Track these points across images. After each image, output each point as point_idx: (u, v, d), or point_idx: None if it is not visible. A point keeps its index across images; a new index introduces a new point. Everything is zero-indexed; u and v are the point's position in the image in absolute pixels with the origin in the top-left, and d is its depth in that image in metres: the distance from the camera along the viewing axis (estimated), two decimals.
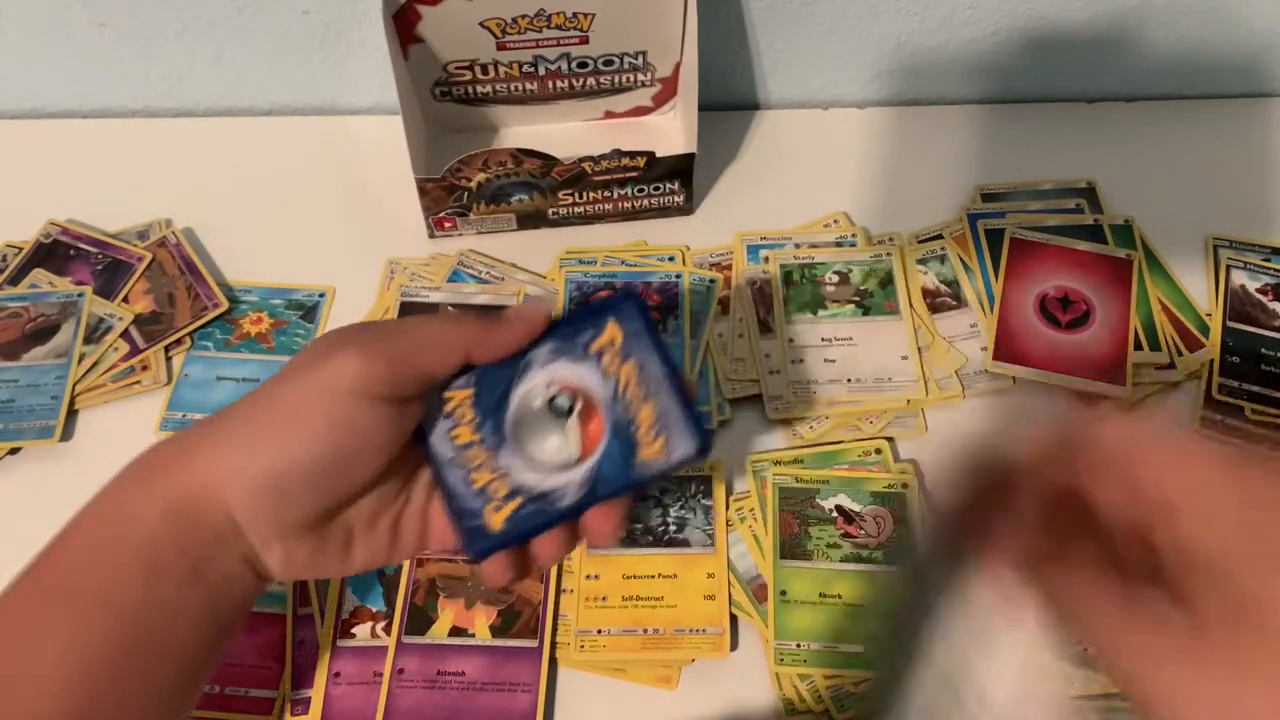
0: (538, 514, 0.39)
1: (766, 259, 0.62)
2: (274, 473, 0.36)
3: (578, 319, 0.40)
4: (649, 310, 0.41)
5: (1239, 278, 0.61)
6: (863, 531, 0.52)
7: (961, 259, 0.62)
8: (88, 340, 0.59)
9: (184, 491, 0.36)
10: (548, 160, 0.59)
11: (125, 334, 0.59)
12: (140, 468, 0.38)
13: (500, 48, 0.61)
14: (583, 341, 0.40)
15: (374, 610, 0.50)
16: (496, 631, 0.49)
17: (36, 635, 0.35)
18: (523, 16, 0.59)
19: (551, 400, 0.39)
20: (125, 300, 0.61)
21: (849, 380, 0.57)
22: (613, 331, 0.40)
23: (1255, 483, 0.27)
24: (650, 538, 0.52)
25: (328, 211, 0.66)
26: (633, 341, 0.39)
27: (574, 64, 0.63)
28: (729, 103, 0.72)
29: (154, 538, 0.36)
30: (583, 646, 0.49)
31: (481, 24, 0.59)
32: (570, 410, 0.39)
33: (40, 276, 0.62)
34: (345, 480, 0.38)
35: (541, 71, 0.63)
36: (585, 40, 0.61)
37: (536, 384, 0.40)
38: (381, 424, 0.37)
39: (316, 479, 0.37)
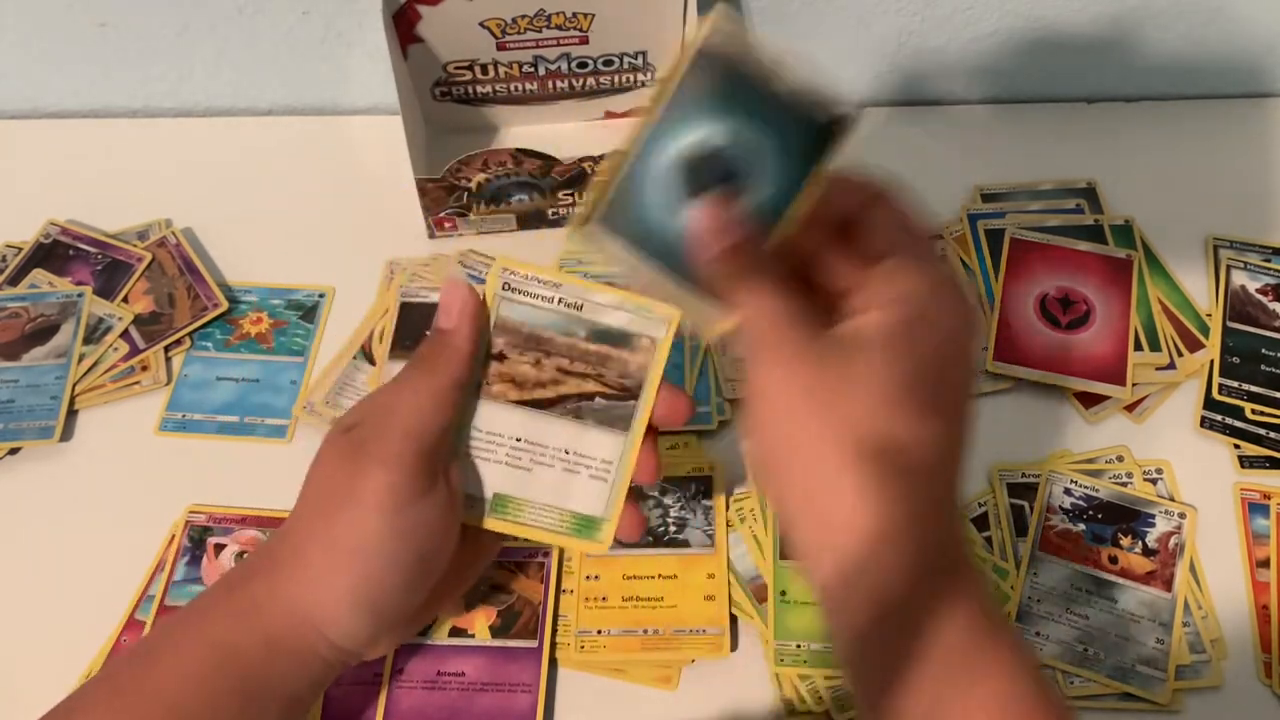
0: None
1: None
2: (365, 597, 0.37)
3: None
4: None
5: (1239, 278, 0.61)
6: None
7: (961, 259, 0.62)
8: (87, 340, 0.59)
9: (283, 627, 0.37)
10: (548, 160, 0.59)
11: (125, 334, 0.59)
12: (233, 599, 0.39)
13: (500, 48, 0.61)
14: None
15: None
16: (496, 632, 0.49)
17: None
18: (523, 16, 0.59)
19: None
20: (125, 300, 0.61)
21: None
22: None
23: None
24: (650, 538, 0.52)
25: (328, 211, 0.66)
26: None
27: (574, 64, 0.63)
28: None
29: (256, 671, 0.37)
30: (583, 647, 0.49)
31: (481, 24, 0.59)
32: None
33: (40, 277, 0.62)
34: (429, 573, 0.39)
35: (541, 71, 0.63)
36: (585, 40, 0.61)
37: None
38: (436, 511, 0.37)
39: (405, 587, 0.38)
